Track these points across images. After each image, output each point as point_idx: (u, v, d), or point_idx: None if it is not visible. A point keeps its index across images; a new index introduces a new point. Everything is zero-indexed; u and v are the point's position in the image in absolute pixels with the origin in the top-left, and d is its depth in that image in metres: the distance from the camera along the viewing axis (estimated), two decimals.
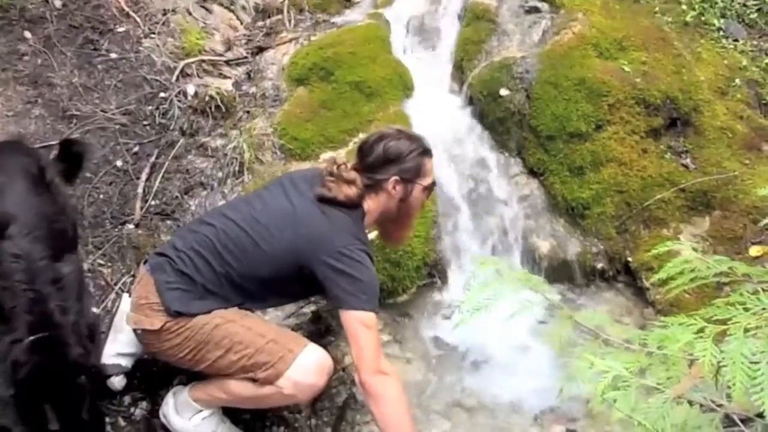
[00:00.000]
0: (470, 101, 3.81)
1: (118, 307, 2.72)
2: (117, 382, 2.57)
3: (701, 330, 1.11)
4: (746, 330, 1.06)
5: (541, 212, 3.44)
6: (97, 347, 2.17)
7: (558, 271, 3.32)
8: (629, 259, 3.28)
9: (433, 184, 2.43)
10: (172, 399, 2.38)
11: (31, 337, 1.90)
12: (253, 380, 2.16)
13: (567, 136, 3.46)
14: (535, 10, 4.04)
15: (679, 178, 3.36)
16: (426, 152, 2.38)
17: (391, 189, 2.32)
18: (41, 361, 1.88)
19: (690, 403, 1.16)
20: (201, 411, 2.32)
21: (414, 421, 2.21)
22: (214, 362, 2.18)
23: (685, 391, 1.16)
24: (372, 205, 2.34)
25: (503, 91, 3.62)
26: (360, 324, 2.15)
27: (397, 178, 2.30)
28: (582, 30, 3.75)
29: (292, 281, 2.25)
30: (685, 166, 3.43)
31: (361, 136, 3.57)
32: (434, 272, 3.35)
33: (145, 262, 2.37)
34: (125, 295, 2.80)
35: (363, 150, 2.36)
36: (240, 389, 2.21)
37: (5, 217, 2.12)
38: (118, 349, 2.58)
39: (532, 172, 3.56)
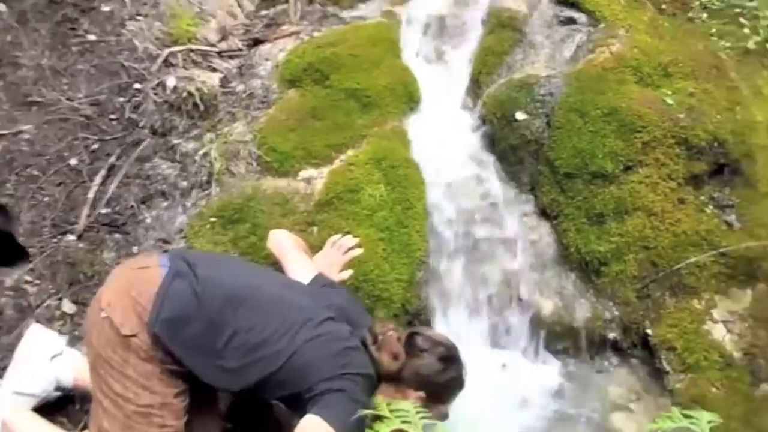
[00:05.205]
0: (484, 122, 3.30)
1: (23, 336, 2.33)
2: None
3: None
4: None
5: (548, 263, 2.91)
6: None
7: (561, 338, 2.79)
8: (648, 331, 2.72)
9: (447, 415, 2.13)
10: None
11: None
12: None
13: (589, 176, 2.92)
14: (571, 21, 3.49)
15: (719, 239, 2.79)
16: (461, 387, 2.15)
17: (411, 400, 1.98)
18: None
19: None
20: None
21: None
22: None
23: None
24: (386, 392, 2.04)
25: (520, 115, 3.10)
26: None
27: (423, 395, 2.04)
28: (622, 49, 3.19)
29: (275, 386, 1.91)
30: (729, 225, 2.86)
31: (350, 153, 3.11)
32: (416, 322, 2.85)
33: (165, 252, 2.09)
34: (36, 326, 2.39)
35: (414, 345, 2.08)
36: None
37: None
38: (17, 386, 2.19)
39: (544, 214, 3.03)
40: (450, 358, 2.09)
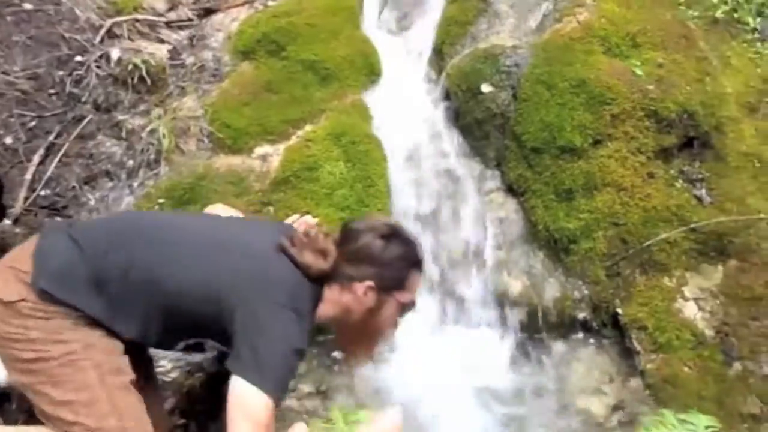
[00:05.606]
0: (447, 95, 3.16)
1: None
2: None
3: None
4: None
5: (516, 242, 2.80)
6: None
7: (530, 318, 2.69)
8: (618, 310, 2.64)
9: (413, 303, 1.88)
10: None
11: None
12: None
13: (557, 150, 2.81)
14: None
15: (689, 215, 2.71)
16: (416, 264, 1.88)
17: (361, 294, 1.78)
18: None
19: None
20: None
21: None
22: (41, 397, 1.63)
23: None
24: (332, 297, 1.80)
25: (485, 87, 2.97)
26: (242, 411, 1.55)
27: (371, 283, 1.78)
28: (589, 19, 3.07)
29: (191, 320, 1.69)
30: (699, 199, 2.78)
31: (308, 128, 2.96)
32: None
33: None
34: None
35: (347, 232, 1.85)
36: None
37: None
38: None
39: (511, 190, 2.91)
40: (391, 234, 1.83)
